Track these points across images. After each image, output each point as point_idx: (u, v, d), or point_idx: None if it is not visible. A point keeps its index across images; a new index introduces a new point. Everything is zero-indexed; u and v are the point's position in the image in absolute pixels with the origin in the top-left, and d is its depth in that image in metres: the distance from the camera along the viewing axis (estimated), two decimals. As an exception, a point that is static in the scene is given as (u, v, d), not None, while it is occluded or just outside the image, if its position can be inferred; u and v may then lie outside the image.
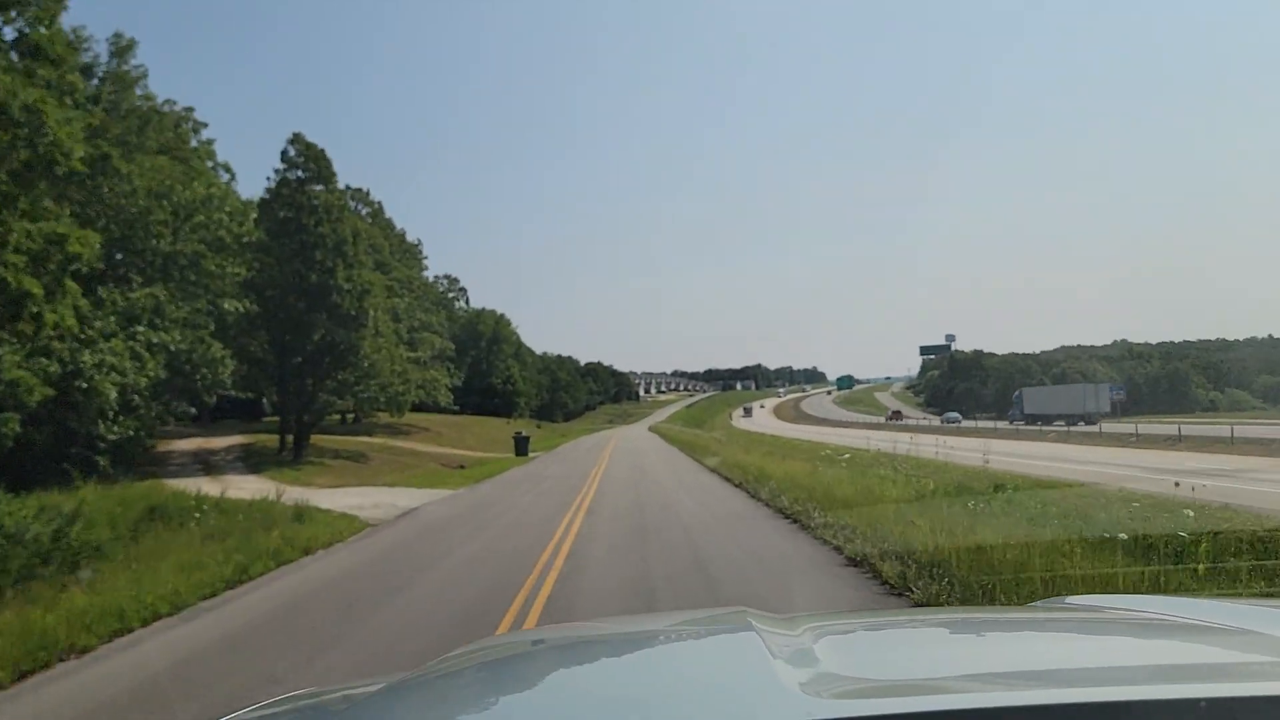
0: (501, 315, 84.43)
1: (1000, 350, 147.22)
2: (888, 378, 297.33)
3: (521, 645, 2.04)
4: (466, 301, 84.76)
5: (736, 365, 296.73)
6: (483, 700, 1.39)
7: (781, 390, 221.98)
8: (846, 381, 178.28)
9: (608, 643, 1.83)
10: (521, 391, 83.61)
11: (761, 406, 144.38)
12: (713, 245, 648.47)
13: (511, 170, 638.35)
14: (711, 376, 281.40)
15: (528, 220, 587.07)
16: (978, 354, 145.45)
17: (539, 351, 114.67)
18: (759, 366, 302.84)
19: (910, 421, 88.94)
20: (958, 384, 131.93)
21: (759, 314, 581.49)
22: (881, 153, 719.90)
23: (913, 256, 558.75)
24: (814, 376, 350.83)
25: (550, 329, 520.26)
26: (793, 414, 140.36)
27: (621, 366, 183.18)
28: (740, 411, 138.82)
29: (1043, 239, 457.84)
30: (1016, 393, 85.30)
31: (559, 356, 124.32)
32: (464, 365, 76.35)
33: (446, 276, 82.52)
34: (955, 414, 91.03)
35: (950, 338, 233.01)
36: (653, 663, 1.58)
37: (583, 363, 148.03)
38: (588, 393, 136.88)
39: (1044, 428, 58.27)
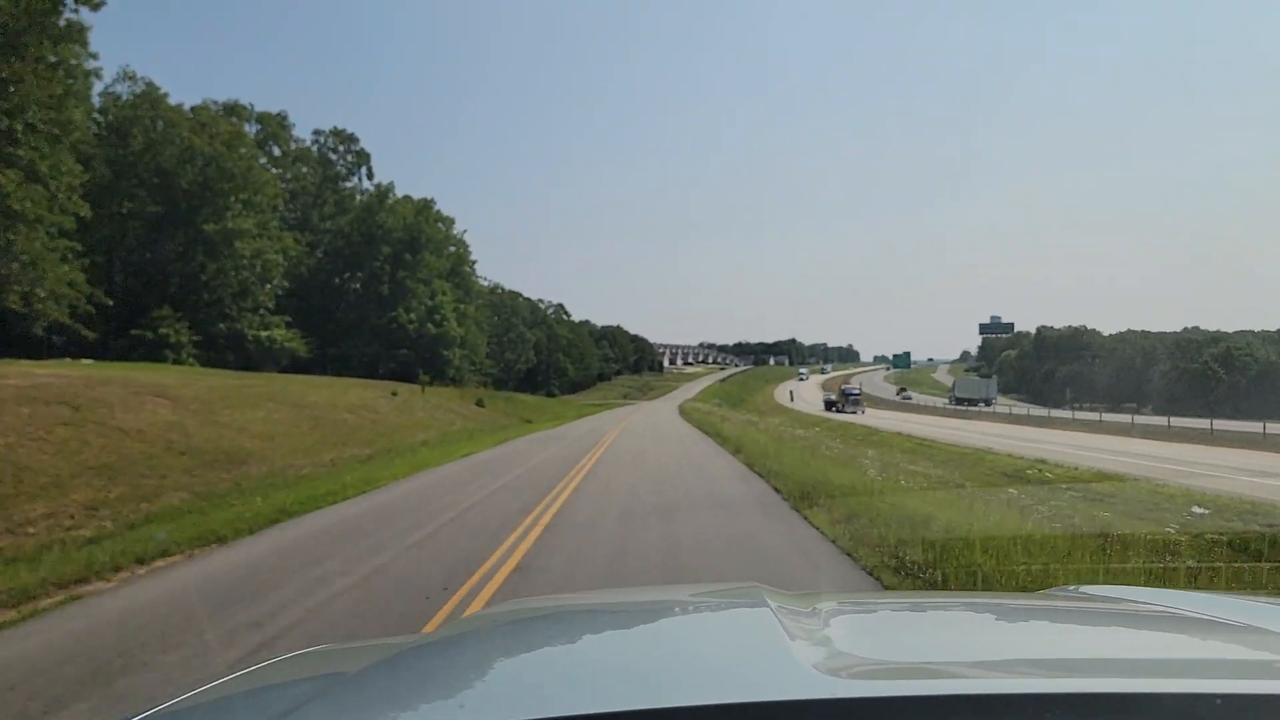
0: (426, 202, 49.64)
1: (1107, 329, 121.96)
2: (930, 359, 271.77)
3: (530, 614, 1.94)
4: (368, 175, 52.12)
5: (769, 339, 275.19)
6: (486, 671, 1.36)
7: (803, 371, 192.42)
8: (903, 360, 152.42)
9: (621, 614, 1.81)
10: (453, 337, 47.43)
11: (800, 390, 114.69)
12: (748, 213, 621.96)
13: (537, 132, 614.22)
14: (742, 350, 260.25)
15: (551, 181, 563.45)
16: (1075, 331, 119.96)
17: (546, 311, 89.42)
18: (793, 341, 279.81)
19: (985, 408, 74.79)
20: (1058, 366, 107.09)
21: (794, 288, 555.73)
22: (931, 126, 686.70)
23: (959, 236, 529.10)
24: (849, 355, 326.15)
25: (569, 294, 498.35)
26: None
27: (645, 335, 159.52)
28: (819, 394, 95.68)
29: (1096, 219, 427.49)
30: (952, 382, 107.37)
31: (559, 307, 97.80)
32: (347, 282, 46.80)
33: (334, 131, 50.57)
34: (910, 392, 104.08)
35: (996, 318, 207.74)
36: (666, 636, 1.56)
37: (599, 326, 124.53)
38: (601, 360, 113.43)
39: (968, 408, 72.56)
